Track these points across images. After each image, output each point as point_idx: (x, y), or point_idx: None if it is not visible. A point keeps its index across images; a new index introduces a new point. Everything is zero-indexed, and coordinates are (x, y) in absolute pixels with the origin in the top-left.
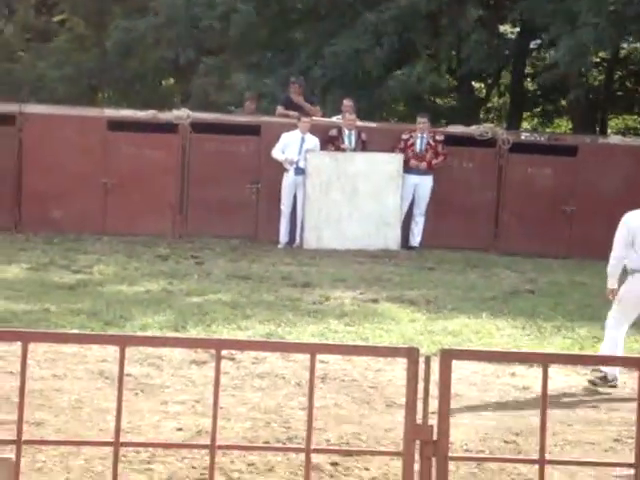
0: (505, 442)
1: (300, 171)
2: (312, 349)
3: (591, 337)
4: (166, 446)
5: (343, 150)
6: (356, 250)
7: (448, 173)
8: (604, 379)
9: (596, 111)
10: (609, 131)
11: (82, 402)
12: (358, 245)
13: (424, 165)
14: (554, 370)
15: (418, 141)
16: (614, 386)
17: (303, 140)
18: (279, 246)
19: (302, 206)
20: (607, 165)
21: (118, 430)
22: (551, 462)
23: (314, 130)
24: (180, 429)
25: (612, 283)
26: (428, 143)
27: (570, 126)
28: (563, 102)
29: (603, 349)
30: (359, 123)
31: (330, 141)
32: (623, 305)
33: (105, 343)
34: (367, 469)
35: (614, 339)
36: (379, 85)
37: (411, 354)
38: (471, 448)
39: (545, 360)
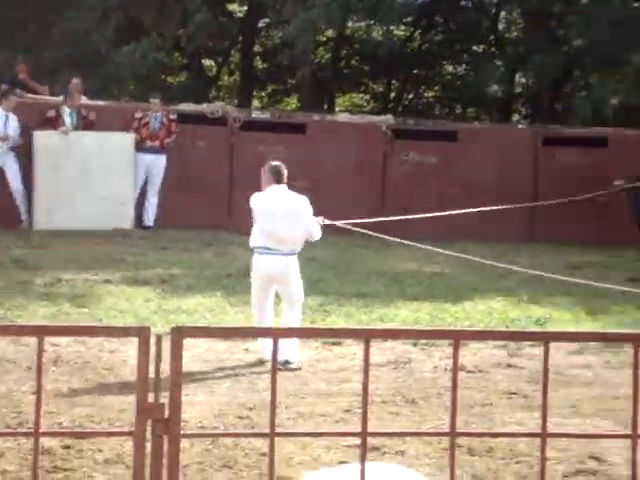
0: (239, 417)
1: (11, 150)
2: (39, 331)
3: (322, 310)
4: None
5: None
6: (89, 230)
7: (181, 152)
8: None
9: (324, 89)
10: (337, 109)
11: None
12: (91, 225)
13: (157, 144)
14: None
15: (152, 120)
16: (294, 368)
17: (7, 118)
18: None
19: (16, 185)
20: (336, 142)
21: None
22: (281, 435)
23: (40, 110)
24: None
25: None
26: (162, 122)
27: (299, 104)
28: (292, 81)
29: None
30: (88, 102)
31: (47, 123)
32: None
33: None
34: (100, 450)
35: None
36: (107, 63)
37: (142, 333)
38: (205, 425)
39: (276, 334)
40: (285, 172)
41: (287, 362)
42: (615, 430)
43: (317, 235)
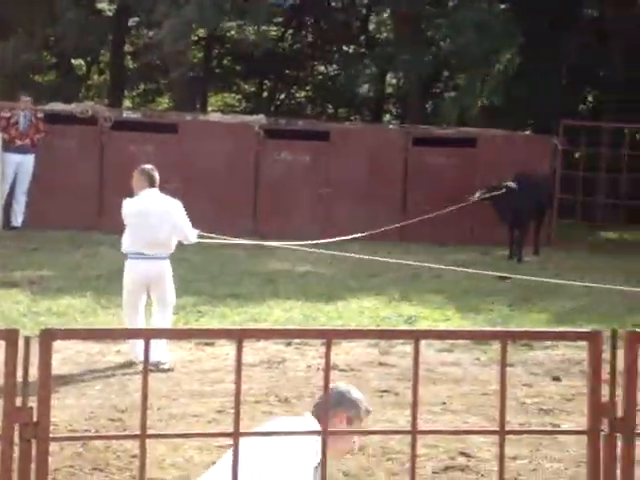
0: (111, 420)
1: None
2: None
3: (195, 311)
4: None
5: None
6: None
7: (50, 151)
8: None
9: (196, 89)
10: (209, 109)
11: None
12: None
13: (28, 142)
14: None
15: (21, 119)
16: (167, 369)
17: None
18: None
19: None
20: (208, 142)
21: None
22: (152, 436)
23: None
24: None
25: None
26: (30, 120)
27: (171, 104)
28: (164, 81)
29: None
30: None
31: None
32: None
33: None
34: None
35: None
36: None
37: (10, 336)
38: (76, 428)
39: (148, 336)
40: (157, 175)
41: (159, 363)
42: (484, 426)
43: (193, 239)
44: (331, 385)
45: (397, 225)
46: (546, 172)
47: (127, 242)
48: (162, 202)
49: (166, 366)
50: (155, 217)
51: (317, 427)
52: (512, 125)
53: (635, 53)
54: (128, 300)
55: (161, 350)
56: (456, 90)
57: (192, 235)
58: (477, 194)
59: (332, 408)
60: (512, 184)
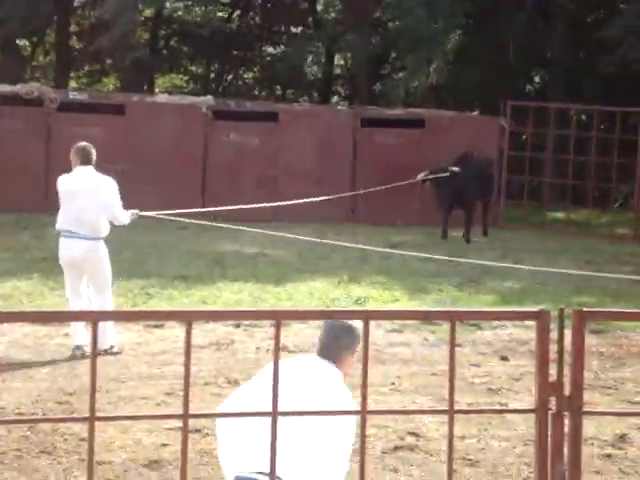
0: (58, 403)
1: None
2: None
3: (144, 294)
4: None
5: None
6: None
7: None
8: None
9: (143, 70)
10: (157, 90)
11: None
12: None
13: None
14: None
15: None
16: (116, 352)
17: None
18: None
19: None
20: (156, 123)
21: None
22: (101, 419)
23: None
24: None
25: None
26: None
27: (118, 85)
28: (110, 61)
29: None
30: None
31: None
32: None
33: None
34: None
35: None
36: None
37: None
38: (24, 411)
39: (95, 318)
40: (92, 153)
41: (109, 348)
42: (433, 406)
43: (123, 219)
44: (330, 323)
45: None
46: (490, 153)
47: (58, 219)
48: (92, 180)
49: (115, 349)
50: (83, 195)
51: (330, 367)
52: (460, 106)
53: (580, 33)
54: (67, 281)
55: (109, 335)
56: (403, 71)
57: (122, 215)
58: (421, 174)
59: (349, 349)
60: (456, 169)
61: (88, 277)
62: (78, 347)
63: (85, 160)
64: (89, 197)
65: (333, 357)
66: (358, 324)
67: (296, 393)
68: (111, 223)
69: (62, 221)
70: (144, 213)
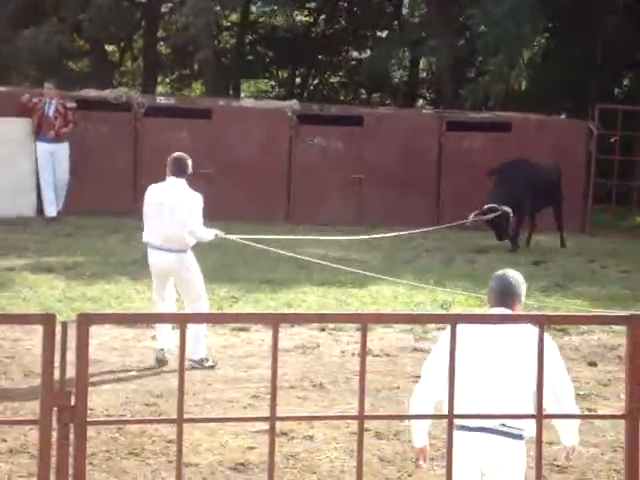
0: (146, 405)
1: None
2: None
3: (230, 297)
4: None
5: None
6: None
7: (84, 138)
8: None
9: (229, 75)
10: (242, 95)
11: None
12: None
13: (52, 134)
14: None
15: (46, 107)
16: (210, 366)
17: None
18: None
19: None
20: (241, 128)
21: None
22: (189, 420)
23: None
24: None
25: None
26: (57, 110)
27: (204, 90)
28: (197, 66)
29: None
30: None
31: None
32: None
33: None
34: (4, 440)
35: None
36: (6, 47)
37: (47, 320)
38: (112, 413)
39: (184, 320)
40: (186, 165)
41: (202, 360)
42: None
43: (204, 237)
44: (503, 276)
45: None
46: (577, 157)
47: (145, 231)
48: (180, 194)
49: (209, 363)
50: (167, 210)
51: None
52: (546, 110)
53: None
54: (155, 289)
55: (201, 347)
56: (489, 74)
57: (204, 234)
58: (471, 216)
59: (520, 297)
60: (507, 209)
61: (179, 287)
62: (162, 350)
63: (175, 171)
64: (173, 213)
65: (509, 305)
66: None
67: (503, 342)
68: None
69: (148, 234)
70: (227, 236)
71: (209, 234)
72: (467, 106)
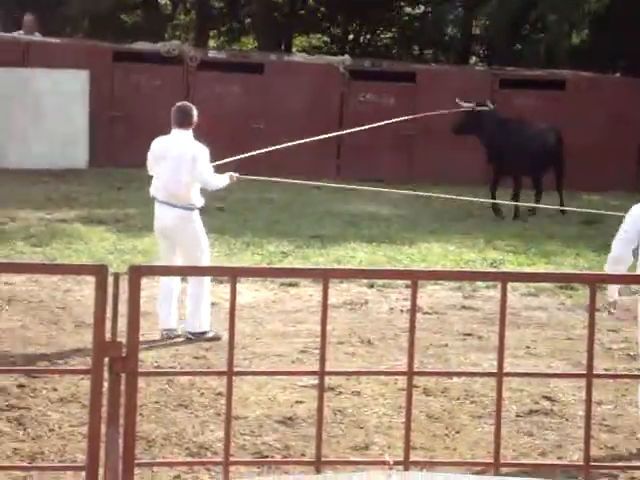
0: (195, 358)
1: None
2: None
3: (279, 252)
4: None
5: None
6: (42, 169)
7: (137, 91)
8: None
9: (280, 30)
10: (294, 49)
11: None
12: (44, 164)
13: None
14: (244, 285)
15: None
16: (212, 337)
17: None
18: None
19: None
20: (293, 83)
21: None
22: (239, 373)
23: None
24: None
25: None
26: None
27: (256, 44)
28: (248, 20)
29: None
30: (42, 39)
31: None
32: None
33: None
34: (55, 389)
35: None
36: (62, 1)
37: (99, 272)
38: (162, 365)
39: (235, 274)
40: (190, 114)
41: (203, 333)
42: (569, 371)
43: (215, 183)
44: None
45: None
46: (634, 116)
47: (152, 185)
48: (184, 146)
49: (210, 334)
50: (173, 161)
51: None
52: (602, 68)
53: None
54: (160, 254)
55: (203, 318)
56: (544, 31)
57: (215, 180)
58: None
59: None
60: (491, 105)
61: (181, 252)
62: (166, 331)
63: (181, 122)
64: (179, 164)
65: None
66: None
67: None
68: (203, 188)
69: (152, 186)
70: (242, 176)
71: (223, 179)
72: (522, 64)
